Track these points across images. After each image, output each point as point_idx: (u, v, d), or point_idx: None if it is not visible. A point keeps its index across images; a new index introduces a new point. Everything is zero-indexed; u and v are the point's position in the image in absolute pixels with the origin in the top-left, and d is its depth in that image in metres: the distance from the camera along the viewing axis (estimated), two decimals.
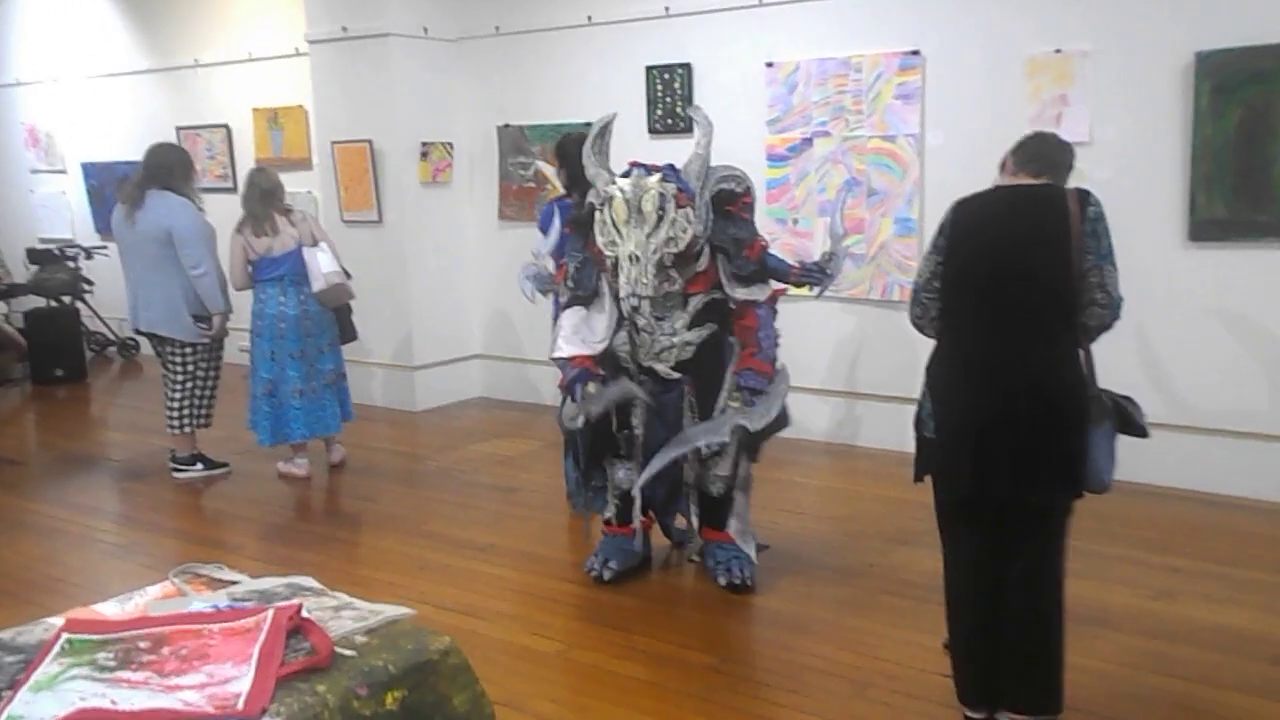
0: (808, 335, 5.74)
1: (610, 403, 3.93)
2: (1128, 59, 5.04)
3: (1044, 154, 3.06)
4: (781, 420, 4.03)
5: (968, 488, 2.88)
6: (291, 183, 7.87)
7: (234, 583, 2.19)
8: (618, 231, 3.70)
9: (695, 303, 3.94)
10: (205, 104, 8.76)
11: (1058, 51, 5.18)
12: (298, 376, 5.54)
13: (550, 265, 4.33)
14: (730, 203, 3.91)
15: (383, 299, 7.24)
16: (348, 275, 5.71)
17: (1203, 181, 4.89)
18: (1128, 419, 2.90)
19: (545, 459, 5.75)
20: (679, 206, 3.71)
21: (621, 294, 3.72)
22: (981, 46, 5.41)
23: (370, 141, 7.03)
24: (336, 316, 5.74)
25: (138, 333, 5.76)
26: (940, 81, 5.53)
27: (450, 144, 7.23)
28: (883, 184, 5.73)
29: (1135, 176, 5.02)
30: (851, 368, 6.01)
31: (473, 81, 7.24)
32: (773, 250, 4.08)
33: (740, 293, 3.95)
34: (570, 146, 4.70)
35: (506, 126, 7.12)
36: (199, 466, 5.78)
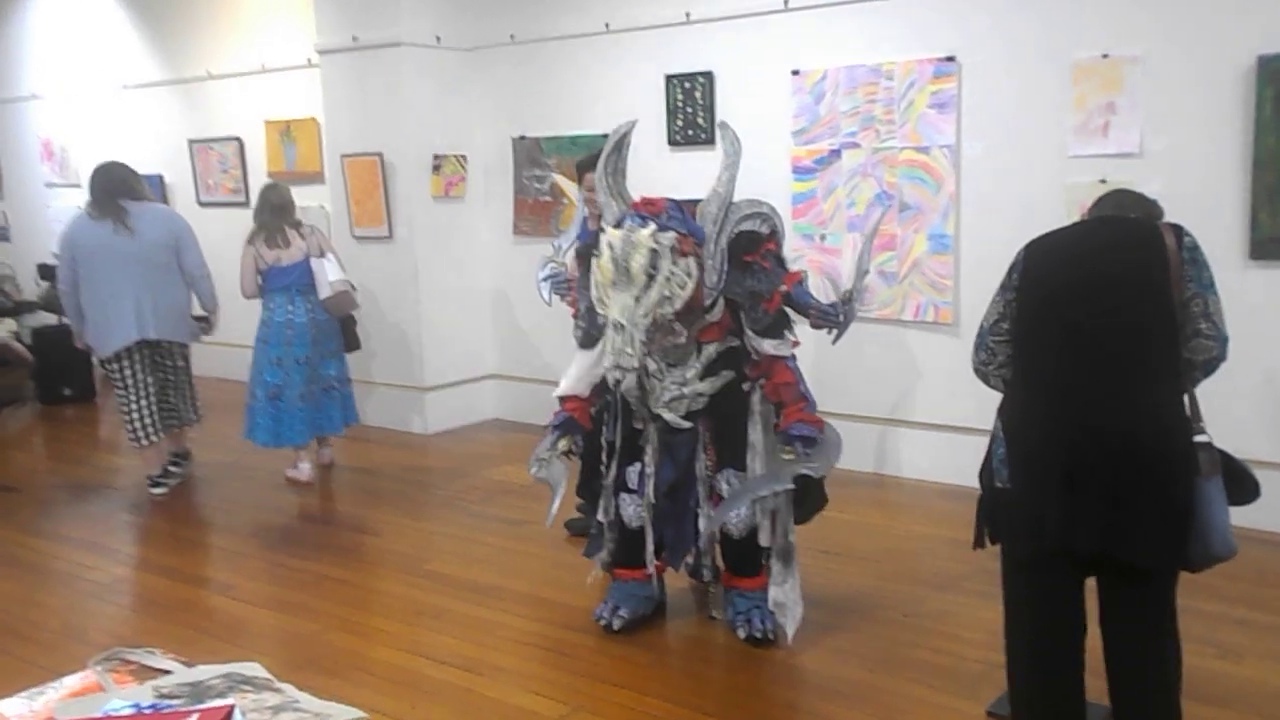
0: (835, 358, 5.37)
1: (558, 490, 3.75)
2: (1182, 64, 4.68)
3: (1126, 206, 2.75)
4: (822, 498, 3.73)
5: (1053, 538, 2.54)
6: (304, 197, 7.70)
7: (165, 672, 1.90)
8: (605, 292, 3.36)
9: (709, 351, 3.60)
10: (218, 116, 8.56)
11: (1105, 56, 4.83)
12: (301, 381, 5.77)
13: (569, 263, 4.05)
14: (751, 250, 3.54)
15: (393, 317, 6.99)
16: (353, 286, 5.98)
17: (1265, 195, 4.53)
18: (1238, 475, 2.57)
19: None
20: (682, 255, 3.34)
21: (605, 364, 3.39)
22: (1022, 51, 5.06)
23: (381, 154, 6.78)
24: (341, 326, 6.00)
25: (139, 344, 5.57)
26: (977, 89, 5.19)
27: (464, 157, 6.97)
28: (916, 198, 5.39)
29: (1190, 190, 4.64)
30: (882, 392, 5.66)
31: (487, 92, 6.98)
32: (808, 283, 3.67)
33: (767, 346, 3.58)
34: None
35: (522, 138, 6.85)
36: (186, 465, 6.03)
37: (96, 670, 1.91)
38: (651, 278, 3.27)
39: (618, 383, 3.43)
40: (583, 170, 4.86)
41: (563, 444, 3.82)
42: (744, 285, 3.53)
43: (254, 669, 1.97)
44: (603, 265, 3.34)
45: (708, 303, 3.50)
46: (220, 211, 8.54)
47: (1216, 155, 4.63)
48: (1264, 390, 4.58)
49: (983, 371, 2.81)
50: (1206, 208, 4.62)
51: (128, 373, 5.61)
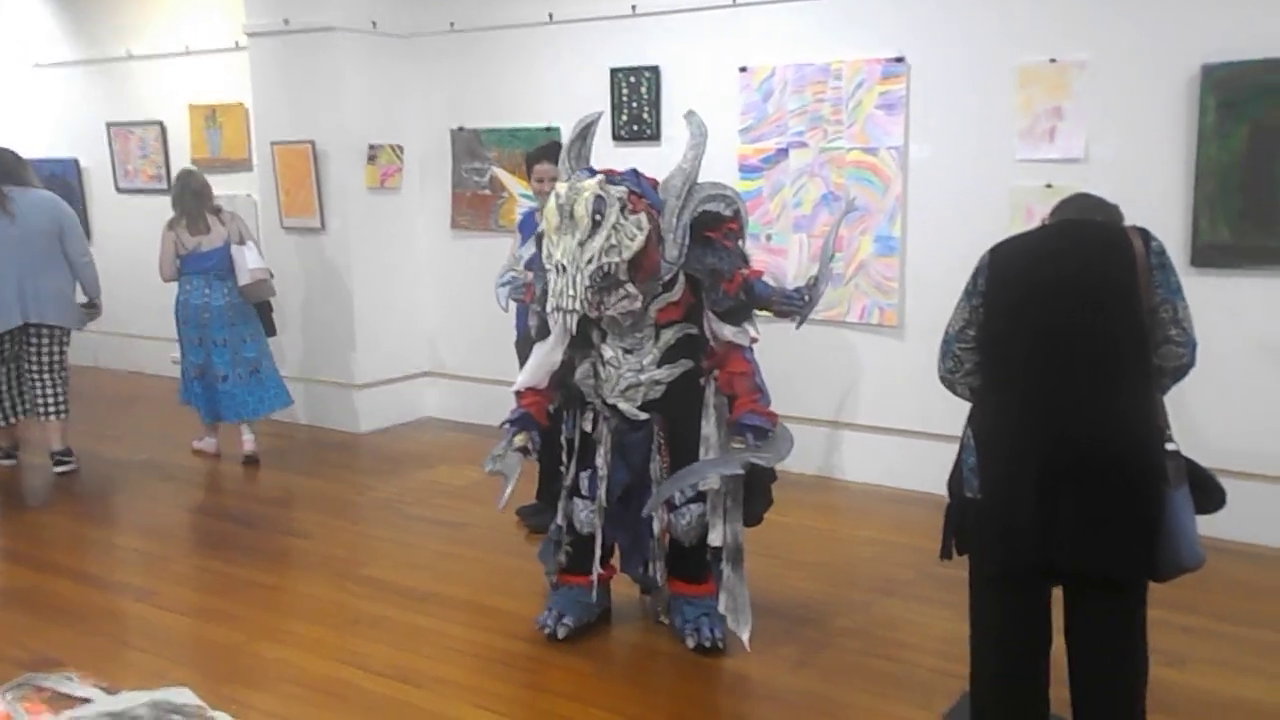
0: (780, 359, 5.32)
1: (511, 478, 3.60)
2: (1127, 70, 4.69)
3: (1088, 210, 2.71)
4: (768, 498, 3.66)
5: (1026, 551, 2.48)
6: (230, 185, 7.47)
7: (85, 700, 1.72)
8: (550, 238, 3.25)
9: (668, 336, 3.50)
10: (138, 99, 8.20)
11: (1052, 61, 4.83)
12: (223, 363, 5.93)
13: (530, 275, 3.93)
14: (712, 227, 3.46)
15: (324, 311, 6.76)
16: (270, 274, 6.07)
17: (1206, 203, 4.56)
18: (1204, 483, 2.53)
19: (497, 490, 5.25)
20: (632, 211, 3.24)
21: (548, 307, 3.27)
22: (971, 54, 5.05)
23: (313, 143, 6.54)
24: (258, 311, 6.10)
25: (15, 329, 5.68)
26: (926, 91, 5.16)
27: (400, 147, 6.76)
28: (863, 199, 5.34)
29: (1133, 197, 4.57)
30: (827, 395, 5.61)
31: (425, 81, 6.78)
32: (766, 278, 3.59)
33: (726, 330, 3.50)
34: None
35: (461, 129, 6.66)
36: (73, 459, 5.95)
37: (6, 700, 1.73)
38: (597, 224, 3.17)
39: (561, 318, 3.28)
40: (532, 162, 4.79)
41: (519, 439, 3.67)
42: (704, 262, 3.45)
43: (184, 695, 1.80)
44: (548, 213, 3.23)
45: (666, 276, 3.40)
46: (141, 199, 8.20)
47: (1160, 162, 4.65)
48: (1206, 396, 4.61)
49: (949, 380, 2.75)
50: (1150, 215, 4.56)
51: (7, 352, 5.76)
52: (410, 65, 6.77)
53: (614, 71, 5.98)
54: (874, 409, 5.47)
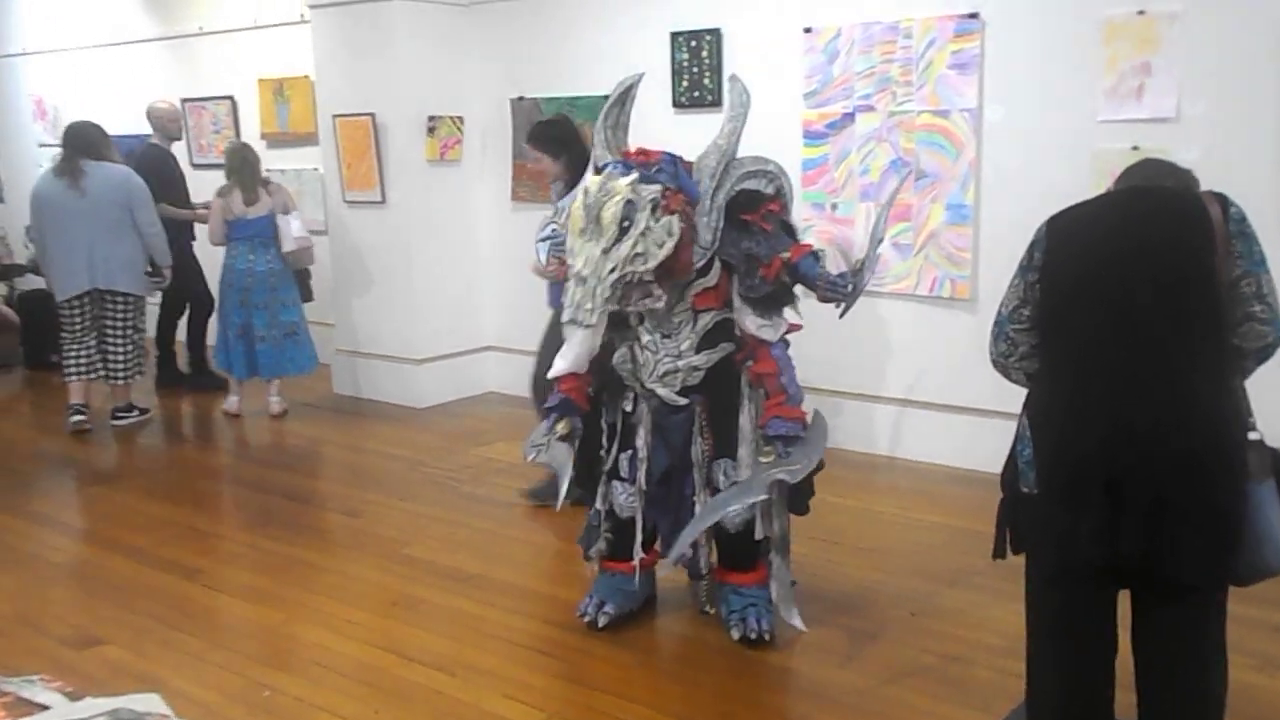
0: (844, 333, 5.07)
1: (561, 465, 3.49)
2: (1223, 21, 4.33)
3: (1158, 177, 2.44)
4: (811, 489, 3.44)
5: (1091, 553, 2.25)
6: (297, 159, 7.49)
7: (43, 707, 1.64)
8: (574, 241, 3.06)
9: (705, 321, 3.30)
10: (210, 74, 8.26)
11: (1140, 13, 4.47)
12: (262, 324, 6.29)
13: None
14: (750, 209, 3.24)
15: (386, 286, 6.72)
16: (311, 243, 6.41)
17: None
18: None
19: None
20: (667, 212, 3.03)
21: (564, 317, 3.10)
22: (1050, 8, 4.71)
23: (373, 115, 6.47)
24: (297, 278, 6.46)
25: (89, 293, 6.09)
26: (1001, 49, 4.84)
27: (460, 118, 6.65)
28: (934, 165, 5.06)
29: (1229, 157, 4.29)
30: (893, 370, 5.36)
31: (484, 51, 6.64)
32: (815, 254, 3.32)
33: (751, 323, 3.28)
34: (560, 130, 4.67)
35: (521, 99, 6.52)
36: (136, 413, 6.40)
37: None
38: (625, 230, 2.97)
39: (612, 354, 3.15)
40: (530, 141, 4.75)
41: (561, 427, 3.54)
42: (740, 247, 3.22)
43: (150, 702, 1.71)
44: (574, 211, 3.05)
45: (699, 264, 3.20)
46: (216, 174, 8.22)
47: (1259, 120, 4.29)
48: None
49: (1002, 364, 2.51)
50: (1246, 176, 4.24)
51: (76, 317, 6.13)
52: (469, 35, 6.65)
53: (674, 35, 5.77)
54: (944, 386, 5.20)
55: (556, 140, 4.61)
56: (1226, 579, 2.27)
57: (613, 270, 2.97)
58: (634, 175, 3.05)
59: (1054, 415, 2.34)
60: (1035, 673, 2.50)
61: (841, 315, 3.39)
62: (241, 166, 6.28)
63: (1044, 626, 2.46)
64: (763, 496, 3.23)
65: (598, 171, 3.20)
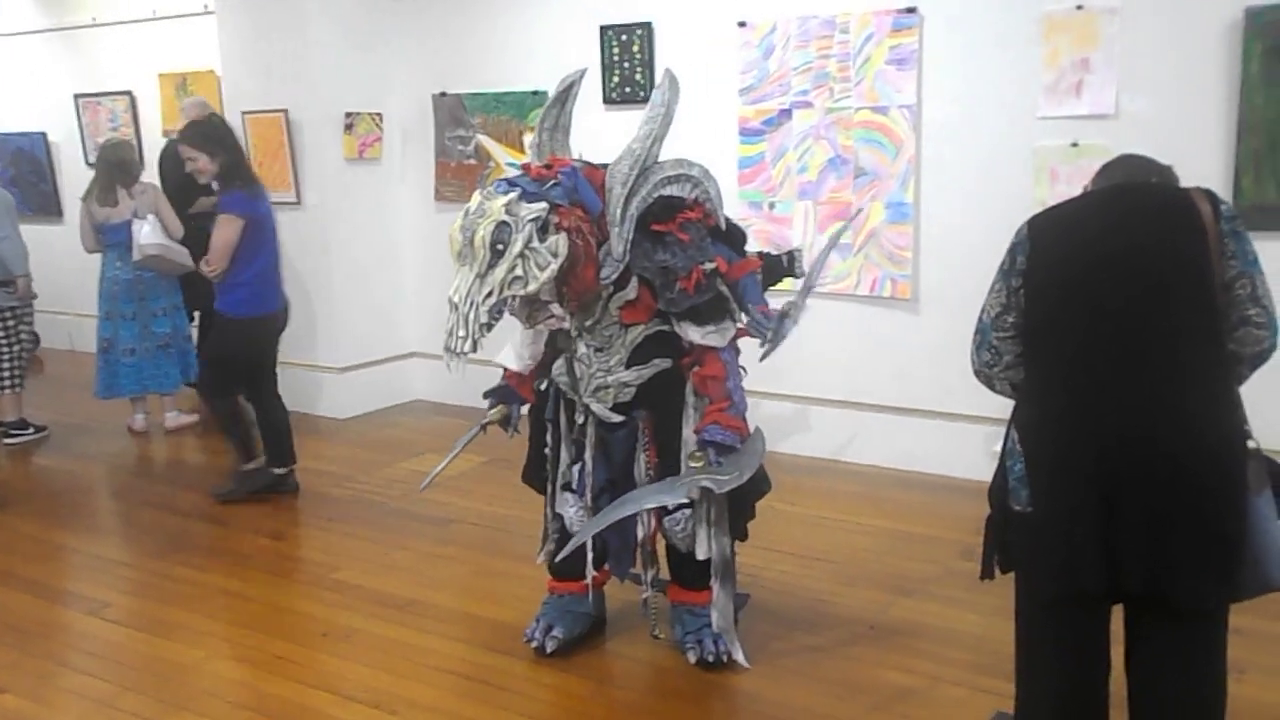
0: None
1: (456, 443, 3.54)
2: (1162, 16, 4.31)
3: (1140, 173, 2.35)
4: (763, 485, 3.28)
5: (1086, 575, 2.13)
6: None
7: None
8: (454, 265, 2.86)
9: (634, 335, 3.11)
10: (106, 68, 7.82)
11: (1079, 8, 4.44)
12: (130, 336, 5.95)
13: None
14: (662, 219, 3.02)
15: (303, 291, 6.38)
16: (170, 249, 5.82)
17: (1250, 160, 4.20)
18: None
19: (489, 479, 4.94)
20: (558, 230, 2.81)
21: (442, 346, 2.88)
22: (989, 3, 4.65)
23: (286, 111, 6.16)
24: (181, 285, 6.03)
25: None
26: (941, 44, 4.77)
27: (379, 115, 6.37)
28: (872, 163, 4.96)
29: (1169, 154, 4.14)
30: (837, 373, 5.25)
31: (405, 43, 6.37)
32: (755, 275, 3.20)
33: (694, 333, 3.10)
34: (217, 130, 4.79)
35: (443, 95, 6.27)
36: (30, 430, 6.06)
37: None
38: (500, 253, 2.77)
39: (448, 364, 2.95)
40: (184, 140, 4.81)
41: (494, 413, 3.42)
42: (653, 260, 3.01)
43: None
44: (451, 234, 2.84)
45: (612, 277, 3.00)
46: None
47: (1198, 117, 4.29)
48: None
49: (986, 375, 2.38)
50: (1186, 174, 4.21)
51: None
52: (388, 26, 6.37)
53: (604, 29, 5.58)
54: (887, 388, 5.12)
55: (213, 140, 4.74)
56: (1230, 596, 2.17)
57: (489, 295, 2.77)
58: (512, 194, 2.82)
59: (1046, 430, 2.22)
60: (1029, 696, 2.38)
61: (762, 359, 3.26)
62: (100, 167, 5.93)
63: (1037, 650, 2.34)
64: (683, 499, 3.06)
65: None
